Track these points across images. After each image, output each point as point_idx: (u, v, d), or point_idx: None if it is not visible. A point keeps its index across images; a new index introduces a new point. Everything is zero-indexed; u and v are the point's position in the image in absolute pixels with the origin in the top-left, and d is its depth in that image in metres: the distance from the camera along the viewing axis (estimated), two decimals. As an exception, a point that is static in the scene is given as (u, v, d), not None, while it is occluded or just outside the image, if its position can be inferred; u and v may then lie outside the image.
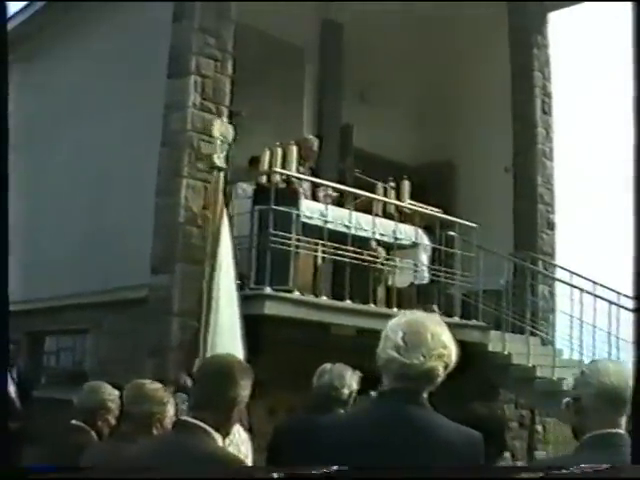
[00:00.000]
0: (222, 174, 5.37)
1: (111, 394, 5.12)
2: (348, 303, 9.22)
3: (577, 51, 14.94)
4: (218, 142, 5.41)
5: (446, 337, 3.09)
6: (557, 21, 13.33)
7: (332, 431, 3.23)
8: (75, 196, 10.37)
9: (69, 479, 3.45)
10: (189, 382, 4.95)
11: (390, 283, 10.07)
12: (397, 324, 3.14)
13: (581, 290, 10.41)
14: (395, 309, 9.74)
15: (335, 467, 3.03)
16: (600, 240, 14.78)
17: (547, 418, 12.41)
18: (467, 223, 10.69)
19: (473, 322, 10.59)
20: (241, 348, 5.02)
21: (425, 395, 3.07)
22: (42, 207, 10.83)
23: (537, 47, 13.09)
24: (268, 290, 8.57)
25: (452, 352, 3.08)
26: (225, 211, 5.37)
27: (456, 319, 10.37)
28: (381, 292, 10.03)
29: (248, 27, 10.09)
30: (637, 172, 3.31)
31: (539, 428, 12.38)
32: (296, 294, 8.84)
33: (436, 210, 10.83)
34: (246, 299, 8.84)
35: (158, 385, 4.29)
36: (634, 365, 3.12)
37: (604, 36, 15.22)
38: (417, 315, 3.20)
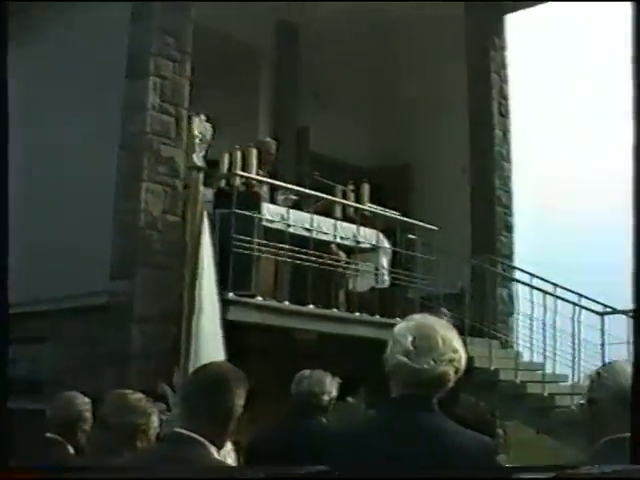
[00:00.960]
0: (201, 174, 5.19)
1: (86, 404, 4.96)
2: (311, 308, 9.10)
3: (534, 53, 14.99)
4: (197, 141, 5.24)
5: (456, 341, 3.01)
6: (513, 23, 13.33)
7: (339, 439, 3.10)
8: (29, 200, 10.08)
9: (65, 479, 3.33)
10: (168, 391, 4.79)
11: (351, 287, 9.99)
12: (406, 328, 3.03)
13: (544, 292, 10.39)
14: (357, 313, 9.69)
15: (322, 467, 2.97)
16: (558, 241, 14.86)
17: (507, 422, 12.37)
18: (427, 226, 10.64)
19: (434, 326, 10.51)
20: (223, 355, 4.87)
21: (435, 401, 2.98)
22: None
23: (494, 49, 13.10)
24: (231, 295, 8.41)
25: (462, 357, 3.00)
26: (205, 212, 5.19)
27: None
28: (342, 296, 9.93)
29: (203, 28, 9.91)
30: (637, 172, 3.24)
31: (500, 432, 12.32)
32: (259, 299, 8.71)
33: (396, 213, 10.76)
34: (208, 305, 8.76)
35: (141, 395, 4.11)
36: (633, 366, 3.04)
37: (560, 37, 15.31)
38: (426, 319, 3.10)
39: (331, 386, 5.28)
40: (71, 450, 4.81)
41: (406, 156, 13.65)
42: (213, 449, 3.21)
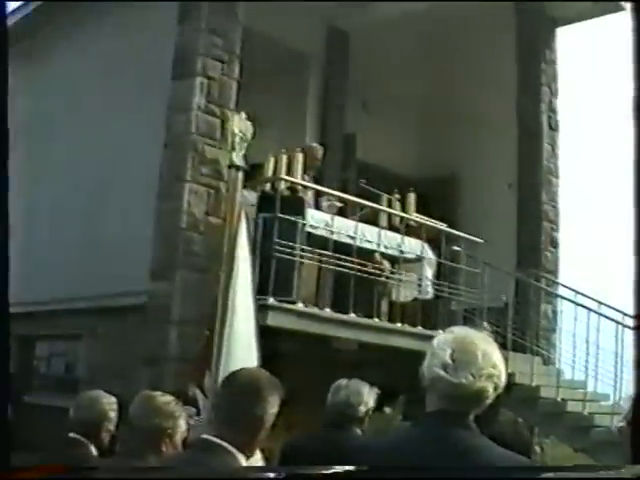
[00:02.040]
0: (240, 174, 5.05)
1: (111, 404, 4.82)
2: (352, 316, 8.94)
3: (584, 67, 14.75)
4: (237, 139, 5.10)
5: (497, 357, 2.86)
6: (565, 36, 13.11)
7: (372, 454, 2.95)
8: (73, 199, 10.07)
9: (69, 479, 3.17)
10: (199, 395, 4.64)
11: (394, 297, 9.82)
12: (445, 341, 2.89)
13: (588, 309, 10.15)
14: (399, 324, 9.52)
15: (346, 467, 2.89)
16: (604, 259, 14.59)
17: (545, 439, 12.16)
18: (473, 238, 10.45)
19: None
20: (256, 360, 4.71)
21: (471, 417, 2.83)
22: (39, 209, 10.49)
23: (545, 62, 12.86)
24: (271, 301, 8.28)
25: (502, 373, 2.86)
26: (243, 213, 5.04)
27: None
28: (384, 306, 9.76)
29: (253, 32, 9.83)
30: (637, 172, 3.09)
31: (537, 449, 12.10)
32: (300, 305, 8.57)
33: (441, 224, 10.58)
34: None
35: (169, 398, 3.96)
36: (635, 367, 2.88)
37: (612, 52, 15.04)
38: (466, 332, 2.96)
39: (368, 397, 5.12)
40: (94, 451, 4.69)
41: (452, 167, 13.45)
42: (241, 457, 3.08)
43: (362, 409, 5.04)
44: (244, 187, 9.57)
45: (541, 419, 10.34)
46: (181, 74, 8.89)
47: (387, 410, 7.64)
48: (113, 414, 4.78)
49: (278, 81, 11.70)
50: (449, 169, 13.47)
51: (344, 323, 8.89)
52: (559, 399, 9.99)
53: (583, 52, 14.23)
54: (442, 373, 2.81)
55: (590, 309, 10.18)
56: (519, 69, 12.79)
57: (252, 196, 9.50)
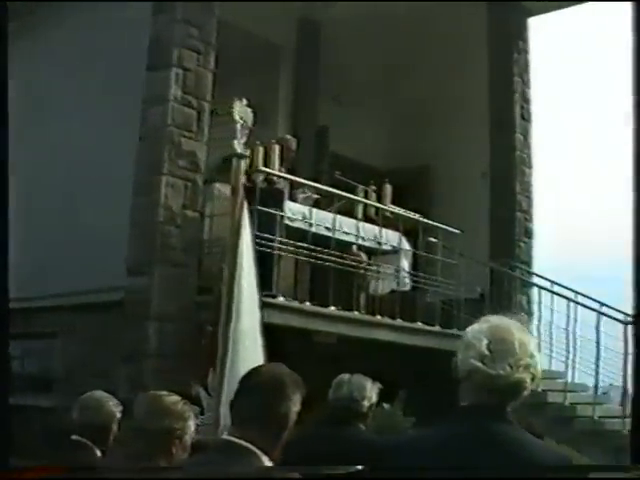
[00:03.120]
0: (243, 162, 4.92)
1: (117, 405, 4.68)
2: (333, 310, 8.85)
3: (557, 57, 14.75)
4: (238, 126, 4.96)
5: (532, 346, 2.78)
6: (537, 27, 13.10)
7: (409, 451, 2.84)
8: (46, 193, 9.86)
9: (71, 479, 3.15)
10: (202, 393, 4.51)
11: (372, 289, 9.75)
12: (479, 330, 2.80)
13: (567, 299, 10.16)
14: (378, 316, 9.44)
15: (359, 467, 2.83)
16: (577, 248, 14.64)
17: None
18: (450, 229, 10.38)
19: (455, 331, 10.26)
20: (262, 358, 4.59)
21: (509, 410, 2.74)
22: (12, 206, 10.24)
23: (517, 52, 12.86)
24: (250, 294, 8.15)
25: (538, 363, 2.76)
26: (245, 204, 4.92)
27: (437, 328, 10.06)
28: (362, 299, 9.68)
29: (224, 22, 9.68)
30: (637, 172, 3.04)
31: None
32: (281, 299, 8.46)
33: (418, 215, 10.51)
34: (227, 304, 8.52)
35: (177, 397, 3.81)
36: (634, 366, 2.83)
37: (584, 41, 15.09)
38: (501, 321, 2.86)
39: (371, 392, 5.02)
40: (98, 454, 4.56)
41: (425, 158, 13.37)
42: (265, 459, 2.97)
43: (366, 404, 4.94)
44: (217, 181, 9.52)
45: (522, 411, 10.30)
46: (156, 65, 8.74)
47: (386, 406, 7.54)
48: (119, 416, 4.64)
49: (250, 72, 11.55)
50: (422, 160, 13.39)
51: (324, 316, 8.80)
52: (540, 390, 9.95)
53: (555, 42, 14.20)
54: (479, 365, 2.72)
55: (569, 298, 10.18)
56: (491, 59, 12.78)
57: (227, 189, 9.37)
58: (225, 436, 3.11)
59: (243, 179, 5.51)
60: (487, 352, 2.71)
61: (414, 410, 8.61)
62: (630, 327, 10.23)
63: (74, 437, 4.57)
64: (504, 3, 12.71)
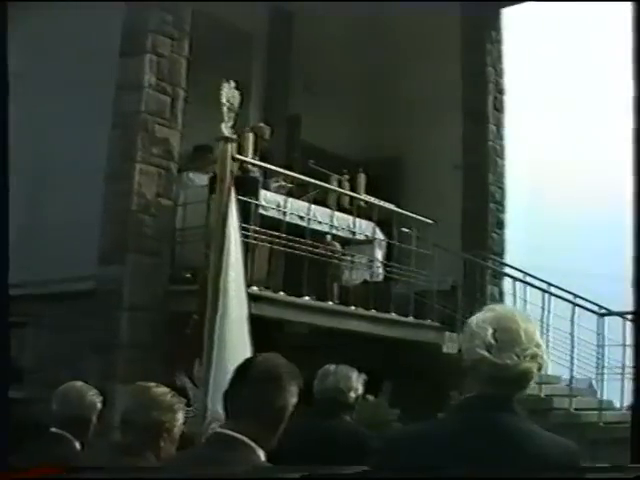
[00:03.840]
0: (230, 146, 4.81)
1: (98, 396, 4.57)
2: (306, 299, 8.76)
3: (530, 47, 14.76)
4: (225, 109, 4.85)
5: (538, 335, 2.71)
6: (510, 17, 13.08)
7: (412, 445, 2.76)
8: (15, 180, 9.64)
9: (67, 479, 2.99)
10: (188, 384, 4.39)
11: (345, 280, 9.68)
12: (484, 319, 2.73)
13: (542, 290, 10.16)
14: (352, 307, 9.37)
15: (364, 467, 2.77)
16: (550, 240, 14.66)
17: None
18: (424, 219, 10.33)
19: (428, 322, 10.25)
20: (250, 346, 4.48)
21: (515, 401, 2.68)
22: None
23: (490, 42, 12.83)
24: (226, 284, 8.05)
25: (544, 352, 2.70)
26: (233, 190, 4.81)
27: (411, 319, 10.02)
28: (336, 289, 9.60)
29: (195, 9, 9.54)
30: (637, 172, 3.01)
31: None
32: (254, 289, 8.34)
33: (392, 205, 10.45)
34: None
35: (165, 389, 3.70)
36: (633, 366, 2.81)
37: (557, 32, 15.09)
38: (505, 309, 2.82)
39: (357, 382, 4.93)
40: (78, 446, 4.44)
41: (396, 149, 13.30)
42: (261, 452, 2.88)
43: (352, 395, 4.86)
44: (189, 169, 9.40)
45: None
46: (130, 51, 8.60)
47: (370, 397, 7.46)
48: (99, 407, 4.53)
49: (221, 60, 11.40)
50: (393, 151, 13.32)
51: (298, 306, 8.71)
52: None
53: (528, 32, 14.20)
54: (485, 354, 2.65)
55: (543, 289, 10.18)
56: (464, 50, 12.74)
57: (199, 178, 9.27)
58: (218, 429, 3.01)
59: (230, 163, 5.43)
60: (493, 341, 2.65)
61: (395, 402, 8.58)
62: (606, 319, 10.30)
63: (53, 429, 4.43)
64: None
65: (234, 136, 4.84)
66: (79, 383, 4.68)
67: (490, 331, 2.65)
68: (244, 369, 3.14)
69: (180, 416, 3.65)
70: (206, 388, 4.03)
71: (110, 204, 8.48)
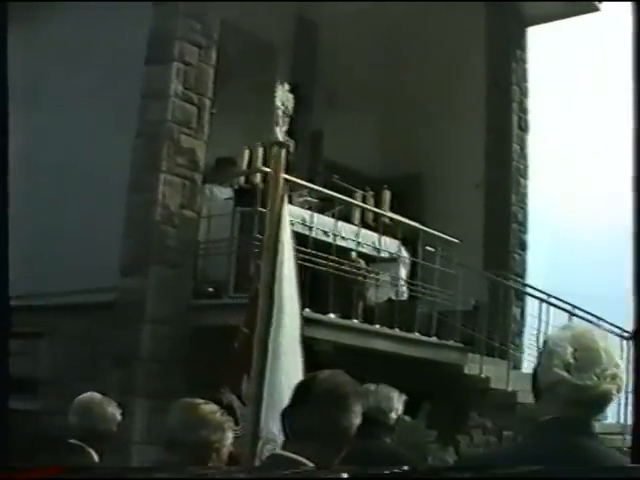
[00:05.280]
0: (284, 151, 4.61)
1: (117, 409, 4.40)
2: (332, 317, 8.54)
3: (556, 67, 14.57)
4: (279, 112, 4.65)
5: (617, 354, 2.52)
6: (536, 36, 12.91)
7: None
8: (35, 188, 9.47)
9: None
10: (235, 402, 4.14)
11: (370, 298, 9.47)
12: (563, 338, 2.55)
13: (568, 312, 9.94)
14: (377, 326, 9.16)
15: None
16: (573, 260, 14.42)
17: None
18: (449, 238, 10.12)
19: (451, 342, 10.02)
20: (301, 363, 4.25)
21: (593, 424, 2.50)
22: (-3, 200, 9.85)
23: (515, 61, 12.65)
24: (251, 299, 7.83)
25: (623, 373, 2.51)
26: (286, 198, 4.60)
27: (434, 339, 9.81)
28: (360, 307, 9.39)
29: (221, 20, 9.38)
30: (637, 172, 2.85)
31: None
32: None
33: (417, 224, 10.25)
34: (224, 308, 8.20)
35: (214, 407, 3.47)
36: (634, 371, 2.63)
37: (584, 52, 14.92)
38: (584, 328, 2.63)
39: (399, 403, 4.72)
40: (96, 458, 4.26)
41: (418, 166, 13.08)
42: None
43: (393, 416, 4.65)
44: (209, 182, 9.20)
45: (518, 424, 10.10)
46: (156, 59, 8.42)
47: (406, 418, 7.22)
48: (119, 419, 4.36)
49: (245, 72, 11.25)
50: (414, 168, 13.11)
51: (323, 324, 8.48)
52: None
53: (555, 52, 14.02)
54: (564, 374, 2.49)
55: (569, 312, 9.96)
56: (489, 68, 12.60)
57: (220, 191, 9.08)
58: (278, 450, 2.80)
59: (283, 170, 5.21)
60: (572, 361, 2.47)
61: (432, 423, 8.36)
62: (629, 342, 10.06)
63: (72, 441, 4.25)
64: (503, 12, 12.51)
65: (287, 141, 4.60)
66: (98, 395, 4.54)
67: (570, 350, 2.49)
68: (306, 387, 2.94)
69: (229, 435, 3.42)
70: (258, 406, 3.79)
71: (133, 214, 8.29)
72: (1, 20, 3.65)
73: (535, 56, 12.88)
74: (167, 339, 7.94)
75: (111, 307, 8.22)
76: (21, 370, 9.47)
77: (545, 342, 2.61)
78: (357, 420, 2.82)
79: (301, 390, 2.95)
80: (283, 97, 4.62)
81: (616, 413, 10.00)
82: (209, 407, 3.44)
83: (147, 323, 7.94)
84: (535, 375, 2.60)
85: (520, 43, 12.85)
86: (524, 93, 12.73)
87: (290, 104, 4.64)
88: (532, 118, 12.76)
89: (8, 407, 3.61)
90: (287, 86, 4.65)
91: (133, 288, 8.10)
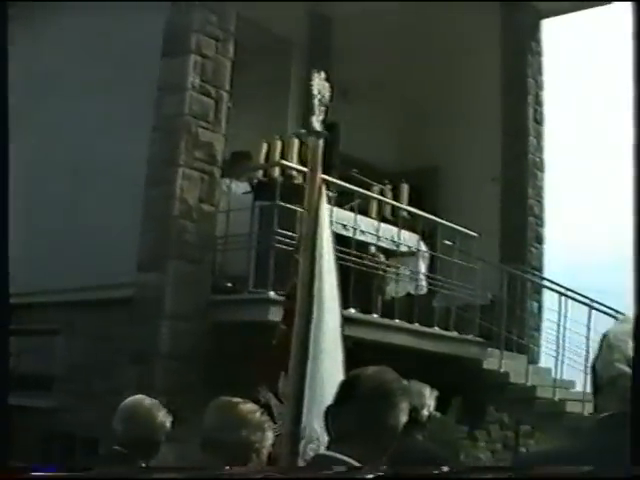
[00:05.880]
0: (321, 141, 4.48)
1: (167, 416, 4.13)
2: (352, 312, 8.43)
3: (571, 59, 14.44)
4: (316, 101, 4.51)
5: None
6: (551, 29, 12.78)
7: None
8: (51, 182, 9.38)
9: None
10: (272, 401, 4.00)
11: (390, 292, 9.37)
12: (623, 331, 2.41)
13: (589, 306, 9.83)
14: (397, 320, 9.06)
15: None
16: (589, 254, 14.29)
17: (530, 440, 11.85)
18: (468, 232, 10.01)
19: (471, 337, 9.92)
20: (342, 360, 4.12)
21: None
22: (13, 195, 9.72)
23: (531, 54, 12.53)
24: (272, 294, 7.74)
25: None
26: (324, 188, 4.47)
27: (455, 333, 9.71)
28: (379, 301, 9.28)
29: (237, 14, 9.26)
30: (637, 172, 2.73)
31: (523, 450, 11.77)
32: (302, 300, 8.01)
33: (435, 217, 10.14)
34: (245, 303, 8.11)
35: (254, 406, 3.33)
36: (634, 359, 2.52)
37: (598, 45, 14.78)
38: None
39: (430, 399, 4.61)
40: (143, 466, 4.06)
41: (434, 160, 12.99)
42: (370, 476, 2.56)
43: (425, 413, 4.53)
44: (227, 176, 9.09)
45: (537, 420, 10.04)
46: (173, 51, 8.31)
47: (436, 414, 7.11)
48: (169, 427, 4.13)
49: (260, 66, 11.15)
50: (430, 162, 13.02)
51: (345, 319, 8.35)
52: (556, 399, 9.63)
53: (570, 45, 13.89)
54: (626, 369, 2.34)
55: (591, 306, 9.85)
56: (504, 61, 12.47)
57: (237, 185, 8.99)
58: (323, 450, 2.69)
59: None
60: (634, 354, 2.34)
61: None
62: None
63: (117, 448, 4.05)
64: (518, 5, 12.40)
65: (323, 131, 4.47)
66: (147, 401, 4.23)
67: (631, 344, 2.35)
68: (351, 384, 2.83)
69: (270, 436, 3.30)
70: (299, 404, 3.67)
71: (150, 209, 8.19)
72: (1, 20, 3.50)
73: (550, 49, 12.75)
74: (186, 335, 7.84)
75: (129, 303, 8.12)
76: (37, 367, 9.42)
77: (604, 336, 2.48)
78: (404, 418, 2.73)
79: (346, 388, 2.84)
80: (320, 85, 4.48)
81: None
82: (248, 406, 3.32)
83: (165, 319, 7.84)
84: (594, 370, 2.48)
85: (535, 36, 12.72)
86: (540, 86, 12.61)
87: (327, 93, 4.49)
88: (547, 111, 12.63)
89: (8, 405, 3.47)
90: (323, 74, 4.50)
91: (151, 284, 7.99)
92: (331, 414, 2.76)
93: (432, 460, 4.32)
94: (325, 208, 4.34)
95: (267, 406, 3.80)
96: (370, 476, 2.58)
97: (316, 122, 4.32)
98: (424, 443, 4.53)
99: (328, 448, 2.72)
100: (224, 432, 3.22)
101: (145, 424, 4.03)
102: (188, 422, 4.03)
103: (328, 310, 4.11)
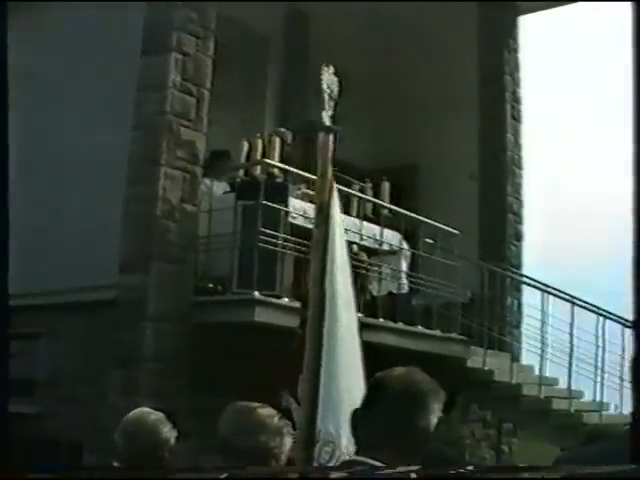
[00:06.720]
0: (331, 137, 4.40)
1: (172, 430, 3.90)
2: (338, 312, 8.34)
3: (548, 56, 14.46)
4: (325, 96, 4.44)
5: None
6: (528, 25, 12.79)
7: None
8: (29, 182, 9.21)
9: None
10: (292, 404, 3.89)
11: (372, 291, 9.31)
12: None
13: (570, 302, 9.85)
14: (380, 319, 9.00)
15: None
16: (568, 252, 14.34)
17: (513, 438, 11.85)
18: (450, 230, 9.97)
19: (454, 335, 9.88)
20: (361, 360, 4.03)
21: None
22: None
23: (508, 50, 12.52)
24: (257, 295, 7.67)
25: None
26: (335, 185, 4.38)
27: (438, 332, 9.67)
28: (362, 300, 9.21)
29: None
30: (637, 172, 2.74)
31: (505, 448, 11.76)
32: (285, 300, 7.95)
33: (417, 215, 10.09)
34: (229, 304, 8.02)
35: (272, 410, 3.22)
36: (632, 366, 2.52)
37: (576, 41, 14.83)
38: None
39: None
40: None
41: (411, 158, 12.93)
42: None
43: None
44: (206, 176, 8.99)
45: (523, 417, 10.03)
46: (154, 49, 8.20)
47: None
48: (173, 442, 3.94)
49: (236, 64, 11.04)
50: (408, 160, 12.95)
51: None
52: (542, 396, 9.64)
53: (546, 41, 13.91)
54: None
55: (572, 302, 9.88)
56: (481, 58, 12.44)
57: (217, 185, 8.89)
58: (353, 456, 2.61)
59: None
60: None
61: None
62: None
63: (116, 464, 3.88)
64: (495, 2, 12.37)
65: (334, 126, 4.40)
66: (152, 416, 3.99)
67: None
68: (378, 386, 2.73)
69: (288, 441, 3.19)
70: (313, 406, 3.58)
71: (132, 209, 8.07)
72: (1, 20, 3.44)
73: (527, 45, 12.75)
74: (170, 337, 7.74)
75: (111, 305, 8.00)
76: (19, 372, 9.24)
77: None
78: (435, 419, 2.64)
79: (373, 390, 2.75)
80: (329, 80, 4.41)
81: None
82: (266, 411, 3.21)
83: (149, 321, 7.73)
84: (636, 367, 2.44)
85: (512, 32, 12.71)
86: (517, 83, 12.61)
87: (336, 87, 4.42)
88: (525, 108, 12.63)
89: (7, 407, 3.37)
90: (332, 69, 4.42)
91: (134, 285, 7.89)
92: (359, 418, 2.67)
93: (443, 460, 4.25)
94: (337, 205, 4.25)
95: (288, 411, 3.70)
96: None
97: (326, 117, 4.24)
98: (434, 444, 4.46)
99: (357, 453, 2.63)
100: (241, 437, 3.11)
101: (149, 439, 3.85)
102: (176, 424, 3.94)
103: (343, 311, 4.03)
